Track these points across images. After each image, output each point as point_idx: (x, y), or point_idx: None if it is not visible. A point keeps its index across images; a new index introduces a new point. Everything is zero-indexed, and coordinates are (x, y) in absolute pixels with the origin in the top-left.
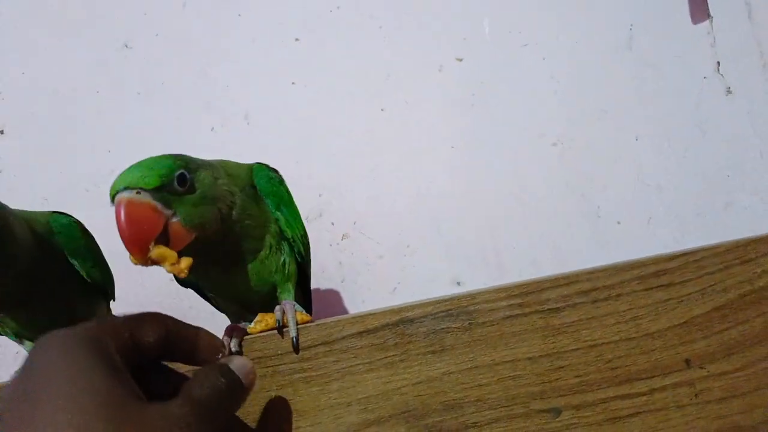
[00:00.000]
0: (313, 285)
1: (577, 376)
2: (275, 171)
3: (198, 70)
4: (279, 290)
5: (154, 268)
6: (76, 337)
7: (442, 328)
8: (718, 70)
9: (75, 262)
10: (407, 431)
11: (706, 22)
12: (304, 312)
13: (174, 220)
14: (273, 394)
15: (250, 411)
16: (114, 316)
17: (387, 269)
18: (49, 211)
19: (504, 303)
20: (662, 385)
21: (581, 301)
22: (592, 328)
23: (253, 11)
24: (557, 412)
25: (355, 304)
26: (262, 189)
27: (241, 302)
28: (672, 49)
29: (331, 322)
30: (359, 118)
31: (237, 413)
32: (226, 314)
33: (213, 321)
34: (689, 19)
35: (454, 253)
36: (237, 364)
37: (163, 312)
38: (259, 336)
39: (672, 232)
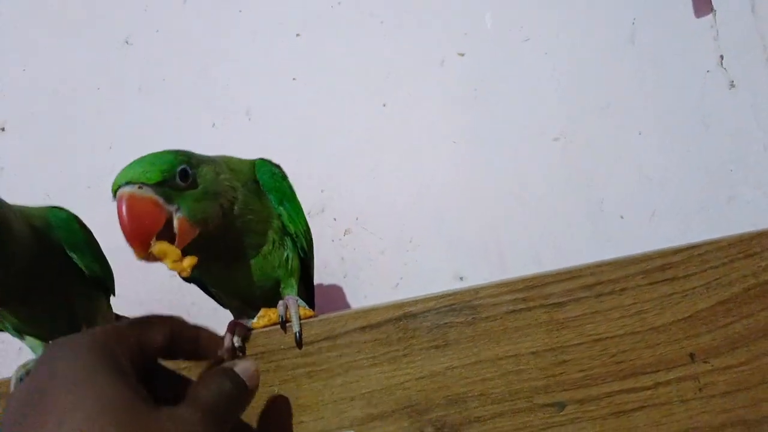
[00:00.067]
0: (316, 280)
1: (581, 371)
2: (278, 166)
3: (199, 66)
4: (282, 286)
5: (157, 265)
6: (85, 343)
7: (446, 323)
8: (722, 63)
9: (74, 256)
10: (410, 426)
11: (709, 16)
12: (307, 307)
13: (179, 215)
14: (276, 389)
15: (253, 406)
16: (120, 321)
17: (389, 265)
18: (46, 206)
19: (507, 297)
20: (667, 380)
21: (585, 295)
22: (596, 322)
23: (254, 7)
24: (561, 406)
25: (358, 300)
26: (265, 184)
27: (244, 298)
28: (675, 43)
29: (334, 317)
30: (361, 114)
31: (246, 425)
32: (229, 310)
33: (215, 317)
34: (692, 12)
35: (457, 249)
36: (241, 367)
37: (166, 309)
38: (262, 331)
39: (675, 226)
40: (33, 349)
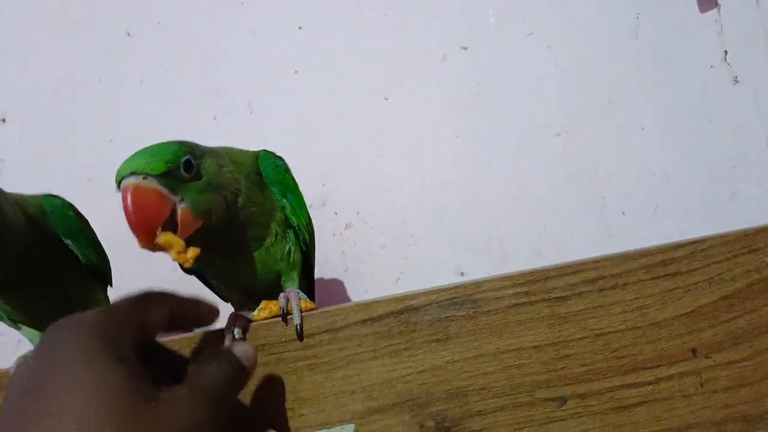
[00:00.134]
0: (317, 274)
1: (582, 365)
2: (281, 159)
3: (200, 58)
4: (283, 279)
5: (157, 257)
6: (85, 327)
7: (447, 317)
8: (725, 59)
9: (69, 243)
10: (411, 419)
11: (714, 11)
12: (308, 300)
13: (182, 206)
14: (277, 381)
15: (254, 399)
16: (120, 301)
17: (390, 259)
18: (41, 194)
19: (509, 291)
20: (668, 375)
21: (588, 289)
22: (598, 316)
23: (256, 0)
24: (563, 400)
25: (358, 294)
26: (268, 176)
27: (245, 290)
28: (679, 38)
29: (336, 309)
30: (363, 108)
31: (243, 406)
32: (229, 302)
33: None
34: (696, 7)
35: (458, 244)
36: (239, 349)
37: None
38: (263, 323)
39: (677, 222)
40: (31, 339)
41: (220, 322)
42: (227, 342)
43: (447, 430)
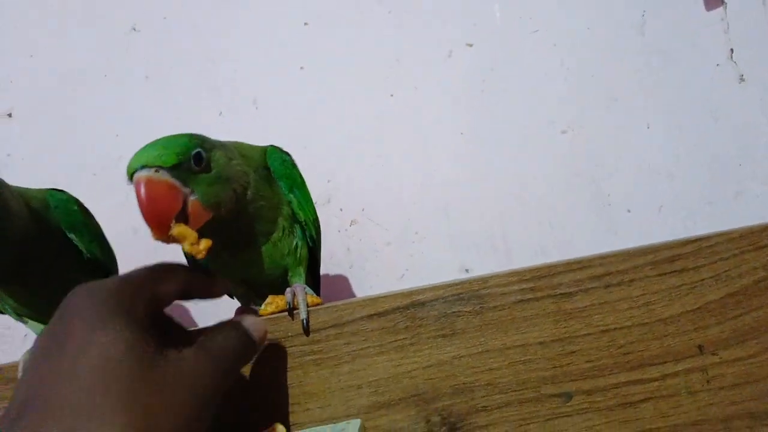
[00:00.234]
0: (322, 271)
1: (588, 361)
2: (288, 154)
3: (206, 54)
4: (290, 274)
5: (162, 252)
6: (100, 291)
7: (453, 312)
8: (732, 57)
9: (73, 237)
10: (417, 414)
11: (720, 9)
12: (314, 295)
13: (193, 198)
14: (283, 375)
15: (260, 393)
16: (134, 270)
17: (395, 256)
18: (46, 188)
19: (516, 287)
20: (674, 371)
21: (594, 286)
22: (604, 313)
23: None
24: (568, 396)
25: (363, 291)
26: (276, 171)
27: (252, 285)
28: (685, 36)
29: (342, 304)
30: (368, 104)
31: (246, 400)
32: (235, 297)
33: (221, 304)
34: (702, 5)
35: (462, 241)
36: (249, 322)
37: None
38: (270, 318)
39: (683, 220)
40: (37, 333)
41: (225, 317)
42: None
43: (452, 425)
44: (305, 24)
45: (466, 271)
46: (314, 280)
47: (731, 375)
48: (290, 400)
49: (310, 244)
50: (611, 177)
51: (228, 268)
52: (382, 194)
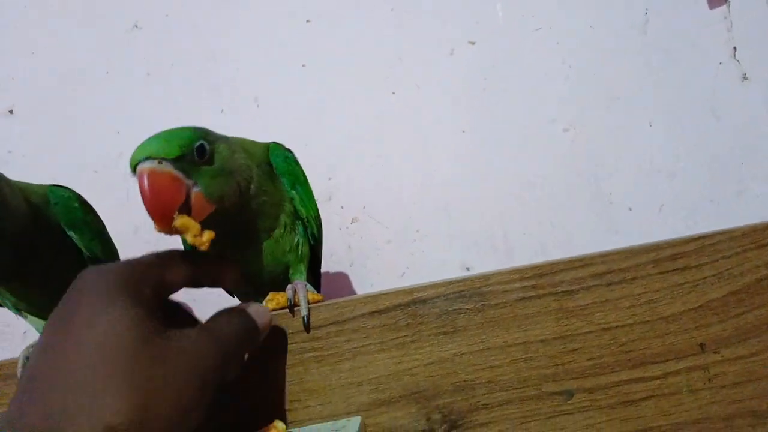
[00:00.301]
0: (322, 268)
1: (590, 359)
2: (290, 151)
3: (208, 51)
4: (291, 271)
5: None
6: (108, 272)
7: (455, 309)
8: (735, 55)
9: (73, 235)
10: (418, 412)
11: (723, 7)
12: (315, 292)
13: (196, 190)
14: (283, 372)
15: (261, 389)
16: (144, 255)
17: (396, 254)
18: (48, 184)
19: (517, 285)
20: (676, 369)
21: (595, 283)
22: (606, 311)
23: None
24: (569, 394)
25: (364, 289)
26: (279, 167)
27: (253, 282)
28: (687, 35)
29: (343, 301)
30: (370, 102)
31: (246, 398)
32: (236, 294)
33: (220, 302)
34: (706, 3)
35: (464, 239)
36: (253, 308)
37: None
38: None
39: (684, 219)
40: (37, 328)
41: None
42: None
43: (453, 422)
44: (307, 22)
45: (467, 269)
46: (315, 278)
47: (733, 373)
48: (291, 397)
49: (312, 241)
50: (612, 175)
51: None
52: (383, 192)
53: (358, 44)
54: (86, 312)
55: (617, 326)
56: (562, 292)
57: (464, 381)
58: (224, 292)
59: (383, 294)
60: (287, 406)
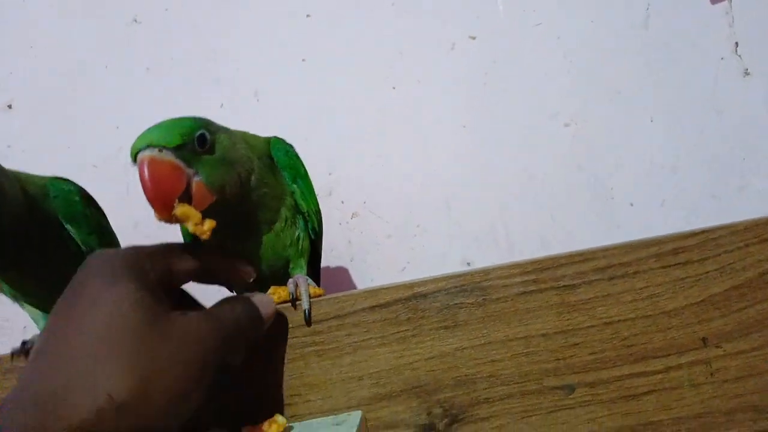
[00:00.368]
0: (323, 263)
1: (591, 354)
2: (291, 146)
3: (207, 46)
4: (291, 265)
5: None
6: (115, 255)
7: (456, 304)
8: (736, 51)
9: (70, 228)
10: (419, 406)
11: (725, 2)
12: (316, 286)
13: (197, 179)
14: (284, 366)
15: (261, 383)
16: (154, 244)
17: (396, 249)
18: (50, 176)
19: (518, 279)
20: (678, 364)
21: (597, 278)
22: (607, 305)
23: None
24: (571, 389)
25: (364, 284)
26: (280, 161)
27: None
28: (689, 30)
29: (344, 296)
30: (370, 97)
31: (248, 391)
32: (235, 290)
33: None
34: None
35: (464, 234)
36: (258, 297)
37: None
38: None
39: (685, 214)
40: (33, 319)
41: None
42: None
43: (454, 417)
44: (307, 16)
45: (468, 264)
46: (314, 273)
47: (735, 368)
48: (291, 392)
49: (312, 236)
50: (614, 171)
51: None
52: (383, 187)
53: (358, 39)
54: (93, 291)
55: (619, 320)
56: (564, 286)
57: (465, 375)
58: (223, 286)
59: (384, 288)
60: (288, 401)
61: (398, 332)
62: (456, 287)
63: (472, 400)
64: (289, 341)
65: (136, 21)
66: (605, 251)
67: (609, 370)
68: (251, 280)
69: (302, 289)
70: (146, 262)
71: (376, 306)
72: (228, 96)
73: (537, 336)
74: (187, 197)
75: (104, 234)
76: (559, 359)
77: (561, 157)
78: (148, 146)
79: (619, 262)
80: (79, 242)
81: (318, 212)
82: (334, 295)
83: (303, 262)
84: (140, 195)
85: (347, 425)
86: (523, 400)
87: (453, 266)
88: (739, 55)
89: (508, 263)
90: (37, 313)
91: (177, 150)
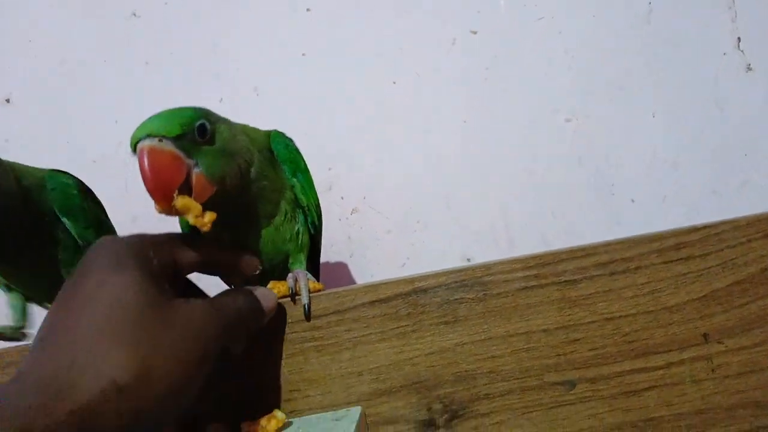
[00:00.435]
0: (322, 259)
1: (592, 349)
2: (291, 140)
3: (207, 40)
4: (291, 260)
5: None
6: (119, 242)
7: (456, 299)
8: (739, 46)
9: (66, 221)
10: (418, 402)
11: None
12: (316, 281)
13: (197, 170)
14: (283, 361)
15: (260, 378)
16: (159, 233)
17: (396, 244)
18: (49, 169)
19: (519, 274)
20: (679, 359)
21: (598, 273)
22: (609, 300)
23: None
24: (571, 384)
25: (364, 279)
26: (280, 154)
27: None
28: (692, 25)
29: (344, 291)
30: (371, 91)
31: (247, 387)
32: (233, 285)
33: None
34: None
35: (464, 230)
36: (260, 292)
37: None
38: None
39: (687, 210)
40: (13, 308)
41: None
42: None
43: (454, 412)
44: (307, 10)
45: (468, 260)
46: (314, 268)
47: (736, 364)
48: (290, 387)
49: (312, 231)
50: (615, 166)
51: None
52: (383, 182)
53: (358, 33)
54: (97, 277)
55: (620, 316)
56: (565, 281)
57: (465, 371)
58: (222, 281)
59: (384, 283)
60: (287, 396)
61: (398, 327)
62: (456, 282)
63: (472, 395)
64: (289, 336)
65: (135, 15)
66: (607, 246)
67: (610, 366)
68: (257, 272)
69: (302, 284)
70: (150, 251)
71: (375, 301)
72: (228, 90)
73: (538, 331)
74: (186, 189)
75: (102, 228)
76: (559, 355)
77: (562, 152)
78: (148, 136)
79: (621, 257)
80: (76, 236)
81: (318, 207)
82: (333, 290)
83: (303, 257)
84: (139, 190)
85: (347, 421)
86: (523, 395)
87: (453, 262)
88: (742, 51)
89: (508, 258)
90: (20, 306)
91: (177, 140)
